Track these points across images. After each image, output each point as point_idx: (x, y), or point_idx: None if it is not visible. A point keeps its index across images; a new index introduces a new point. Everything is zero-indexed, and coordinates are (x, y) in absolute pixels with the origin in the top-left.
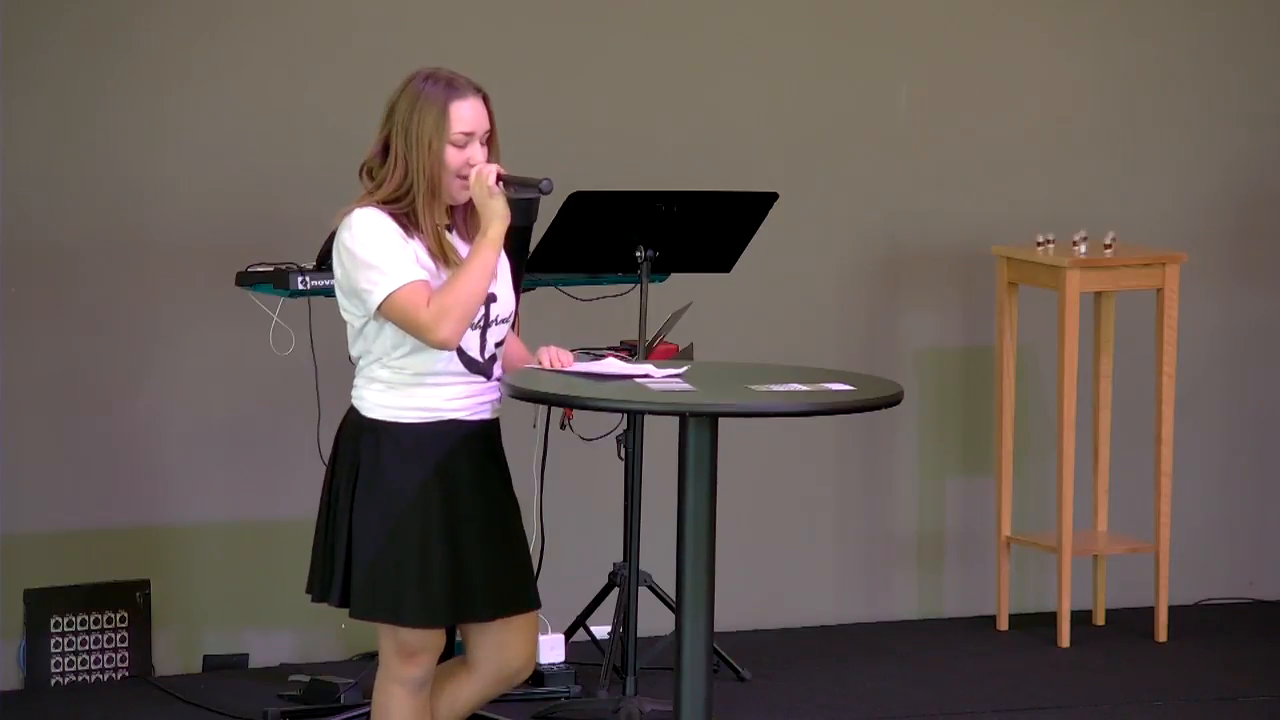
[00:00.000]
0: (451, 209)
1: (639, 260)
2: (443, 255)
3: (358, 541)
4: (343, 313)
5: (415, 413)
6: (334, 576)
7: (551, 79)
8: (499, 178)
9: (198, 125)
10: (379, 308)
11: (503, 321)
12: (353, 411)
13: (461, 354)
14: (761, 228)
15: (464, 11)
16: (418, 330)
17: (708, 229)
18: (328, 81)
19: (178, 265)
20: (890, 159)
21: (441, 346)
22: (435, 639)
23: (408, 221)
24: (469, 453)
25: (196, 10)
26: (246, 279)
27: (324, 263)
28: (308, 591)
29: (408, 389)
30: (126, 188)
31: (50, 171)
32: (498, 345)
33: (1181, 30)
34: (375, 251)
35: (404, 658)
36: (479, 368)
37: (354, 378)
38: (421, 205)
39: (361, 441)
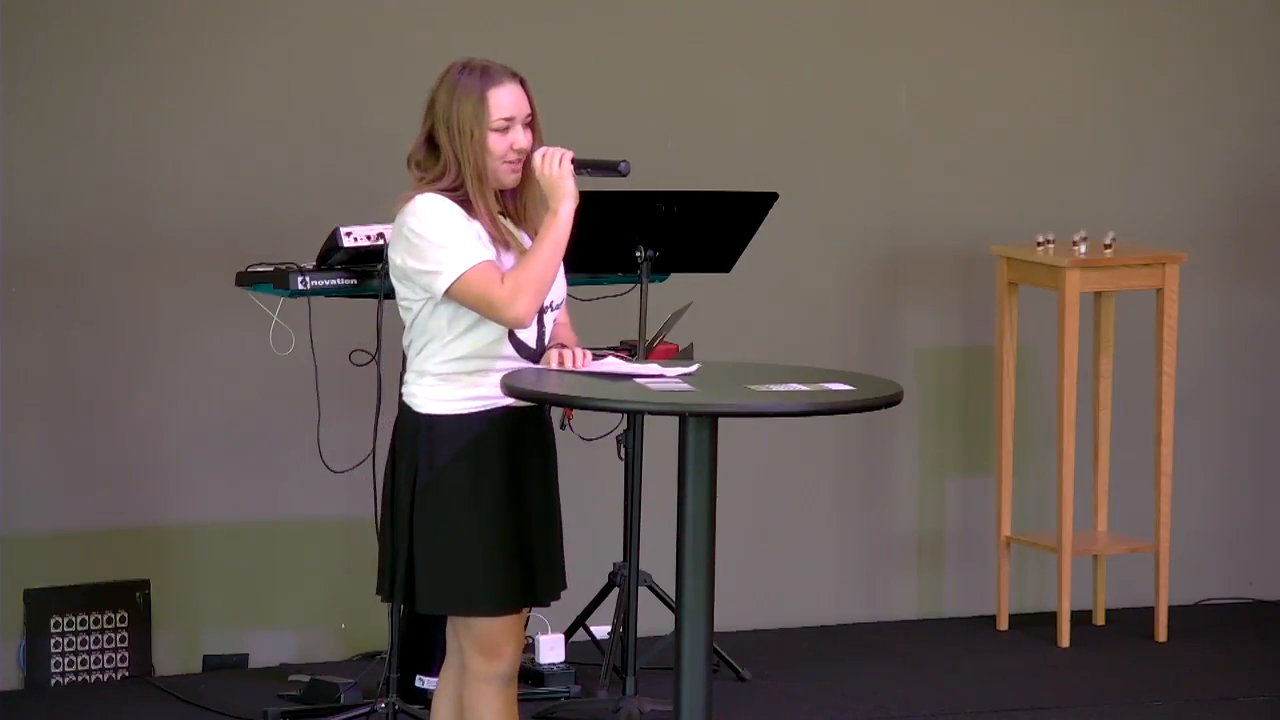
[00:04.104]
0: (501, 194)
1: (639, 260)
2: (500, 239)
3: (420, 537)
4: (399, 300)
5: (469, 402)
6: (397, 575)
7: (551, 79)
8: (573, 161)
9: (198, 125)
10: (449, 289)
11: (555, 309)
12: (406, 409)
13: (514, 338)
14: (761, 228)
15: (465, 12)
16: (491, 308)
17: (708, 229)
18: (328, 82)
19: (178, 265)
20: (890, 159)
21: (515, 324)
22: (515, 628)
23: (465, 208)
24: (524, 437)
25: (197, 10)
26: (246, 279)
27: (324, 262)
28: (378, 593)
29: (460, 378)
30: (127, 188)
31: (50, 171)
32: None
33: (1181, 30)
34: (443, 233)
35: (487, 653)
36: (531, 354)
37: (403, 373)
38: (473, 192)
39: (419, 439)
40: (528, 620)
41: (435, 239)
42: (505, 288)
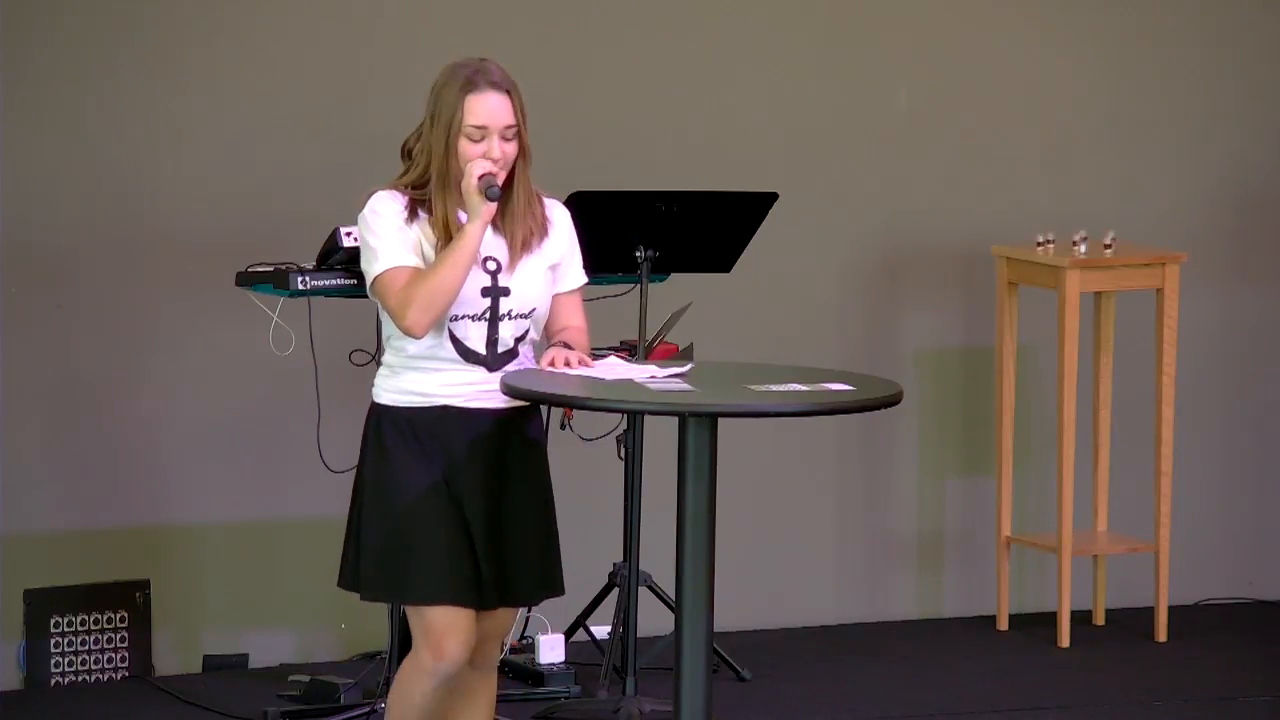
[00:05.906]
0: (501, 208)
1: (639, 260)
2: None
3: (365, 524)
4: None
5: (409, 396)
6: (347, 561)
7: (552, 79)
8: (480, 177)
9: (198, 125)
10: (370, 288)
11: (520, 317)
12: (371, 401)
13: (457, 342)
14: (761, 228)
15: (466, 11)
16: (390, 314)
17: (708, 229)
18: (328, 81)
19: (178, 265)
20: (890, 159)
21: (407, 332)
22: (459, 621)
23: (426, 208)
24: (471, 441)
25: (197, 9)
26: (246, 279)
27: (324, 262)
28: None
29: (405, 373)
30: (127, 187)
31: (50, 171)
32: (518, 340)
33: (1181, 30)
34: (374, 233)
35: (431, 645)
36: (478, 359)
37: None
38: (435, 192)
39: (369, 427)
40: (527, 621)
41: (368, 238)
42: (398, 296)
